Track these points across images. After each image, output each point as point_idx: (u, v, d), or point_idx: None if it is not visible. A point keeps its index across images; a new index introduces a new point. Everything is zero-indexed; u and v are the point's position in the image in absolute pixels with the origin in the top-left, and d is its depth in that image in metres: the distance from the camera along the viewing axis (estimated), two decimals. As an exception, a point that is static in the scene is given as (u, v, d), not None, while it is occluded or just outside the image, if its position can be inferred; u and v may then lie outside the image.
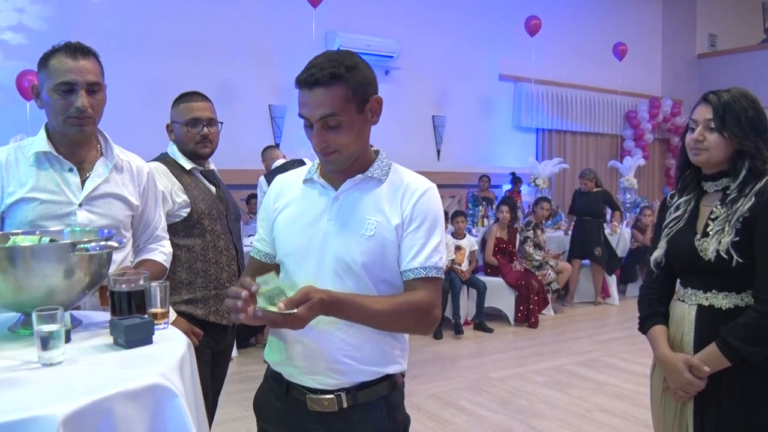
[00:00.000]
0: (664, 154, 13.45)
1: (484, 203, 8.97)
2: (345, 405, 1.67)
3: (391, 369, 1.72)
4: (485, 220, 8.52)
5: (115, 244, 1.72)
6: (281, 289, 1.47)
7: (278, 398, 1.76)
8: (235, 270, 2.84)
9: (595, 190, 8.23)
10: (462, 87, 10.41)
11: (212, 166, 2.85)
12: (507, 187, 10.32)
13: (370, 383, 1.69)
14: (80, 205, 2.02)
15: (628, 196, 9.95)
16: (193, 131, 2.69)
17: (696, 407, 2.04)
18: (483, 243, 7.36)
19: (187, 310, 2.63)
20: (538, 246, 7.56)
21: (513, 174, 10.31)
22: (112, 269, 1.88)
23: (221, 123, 2.82)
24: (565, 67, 11.49)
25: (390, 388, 1.72)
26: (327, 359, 1.65)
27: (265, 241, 1.81)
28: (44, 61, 1.99)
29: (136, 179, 2.20)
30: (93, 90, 1.99)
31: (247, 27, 8.45)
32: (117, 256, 2.08)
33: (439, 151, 10.29)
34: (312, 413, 1.69)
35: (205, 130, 2.70)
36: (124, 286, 1.70)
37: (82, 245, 1.63)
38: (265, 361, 1.83)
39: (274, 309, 1.43)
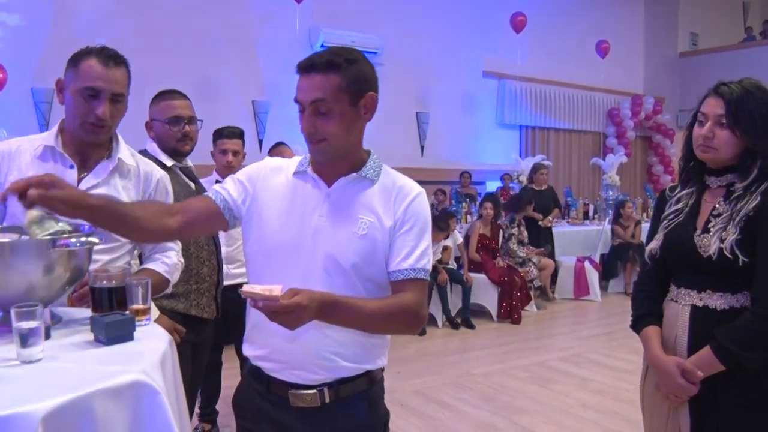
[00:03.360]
0: (646, 151, 13.55)
1: (468, 200, 8.99)
2: (327, 400, 1.67)
3: (373, 365, 1.73)
4: (468, 216, 8.54)
5: (96, 240, 1.70)
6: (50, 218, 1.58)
7: (259, 395, 1.75)
8: (215, 264, 2.89)
9: (544, 187, 8.53)
10: (446, 83, 10.42)
11: (189, 163, 2.87)
12: (497, 184, 10.34)
13: (351, 378, 1.69)
14: None
15: (611, 193, 10.01)
16: (175, 129, 2.71)
17: (693, 415, 1.97)
18: (466, 240, 7.37)
19: (169, 305, 2.65)
20: (521, 242, 7.60)
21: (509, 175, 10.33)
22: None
23: (201, 121, 2.83)
24: (548, 64, 11.53)
25: (370, 383, 1.73)
26: (312, 355, 1.65)
27: (232, 198, 1.73)
28: (75, 60, 1.99)
29: (141, 185, 2.16)
30: (116, 100, 2.00)
31: (231, 22, 8.40)
32: (115, 264, 2.07)
33: (422, 148, 10.29)
34: (294, 409, 1.69)
35: (187, 127, 2.74)
36: (105, 282, 1.69)
37: (62, 241, 1.61)
38: (245, 357, 1.81)
39: (47, 232, 1.55)
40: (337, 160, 1.68)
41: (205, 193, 1.80)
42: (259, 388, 1.75)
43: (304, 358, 1.66)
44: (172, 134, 2.71)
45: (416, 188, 1.74)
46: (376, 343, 1.72)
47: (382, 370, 1.79)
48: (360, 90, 1.63)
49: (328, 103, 1.59)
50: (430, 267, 1.71)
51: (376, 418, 1.75)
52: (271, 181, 1.74)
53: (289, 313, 1.44)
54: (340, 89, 1.60)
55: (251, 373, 1.79)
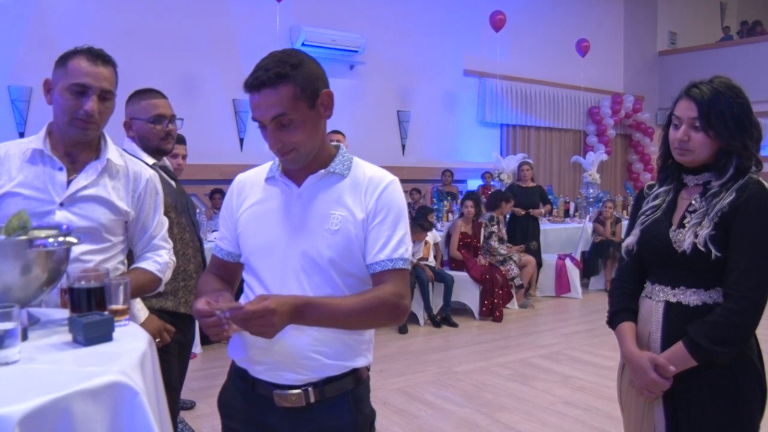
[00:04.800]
0: (626, 149, 13.66)
1: (449, 198, 9.01)
2: (312, 400, 1.67)
3: (358, 363, 1.72)
4: (450, 214, 8.56)
5: (74, 240, 1.69)
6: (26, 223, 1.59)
7: (244, 395, 1.75)
8: (200, 261, 2.88)
9: (531, 184, 8.51)
10: (427, 82, 10.44)
11: (166, 162, 2.87)
12: (479, 182, 10.36)
13: (337, 377, 1.69)
14: (62, 204, 2.00)
15: (591, 191, 10.07)
16: (159, 127, 2.71)
17: (667, 410, 1.99)
18: (448, 238, 7.39)
19: (158, 303, 2.63)
20: (501, 240, 7.63)
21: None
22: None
23: (182, 119, 2.85)
24: (529, 63, 11.59)
25: (356, 381, 1.73)
26: (294, 355, 1.65)
27: (228, 240, 1.81)
28: (63, 60, 2.01)
29: (130, 185, 2.17)
30: (104, 97, 2.02)
31: (211, 20, 8.36)
32: (107, 264, 2.07)
33: (404, 146, 10.30)
34: (279, 409, 1.68)
35: (170, 126, 2.75)
36: (83, 282, 1.67)
37: (39, 241, 1.59)
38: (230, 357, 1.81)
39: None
40: (308, 162, 1.69)
41: (213, 251, 1.87)
42: (244, 389, 1.75)
43: (286, 358, 1.65)
44: (156, 133, 2.71)
45: (387, 177, 1.73)
46: (359, 339, 1.72)
47: (368, 369, 1.79)
48: (314, 91, 1.62)
49: (288, 115, 1.58)
50: (409, 256, 1.70)
51: (362, 418, 1.74)
52: (245, 199, 1.77)
53: (260, 318, 1.45)
54: (296, 97, 1.58)
55: (236, 373, 1.78)
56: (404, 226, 1.70)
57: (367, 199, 1.68)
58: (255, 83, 1.58)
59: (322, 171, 1.69)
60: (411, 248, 1.74)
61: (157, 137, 2.72)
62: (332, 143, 1.76)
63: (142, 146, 2.72)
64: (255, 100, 1.59)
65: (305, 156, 1.65)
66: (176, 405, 2.87)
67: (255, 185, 1.77)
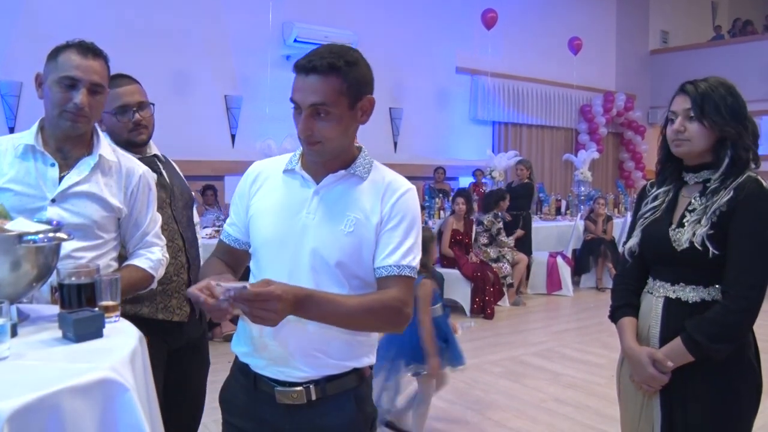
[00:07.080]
0: (618, 147, 13.70)
1: (441, 195, 9.01)
2: (314, 397, 1.67)
3: (360, 363, 1.72)
4: (441, 212, 8.56)
5: (65, 236, 1.68)
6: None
7: (245, 391, 1.75)
8: (183, 262, 2.55)
9: (524, 181, 8.49)
10: (419, 79, 10.44)
11: (155, 151, 2.60)
12: (470, 180, 10.36)
13: (339, 376, 1.69)
14: (53, 200, 1.99)
15: (583, 188, 10.10)
16: (124, 119, 2.44)
17: (663, 404, 2.02)
18: (439, 235, 7.38)
19: (132, 310, 2.32)
20: (493, 239, 7.64)
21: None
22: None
23: (153, 104, 2.55)
24: (521, 60, 11.61)
25: (358, 380, 1.73)
26: (297, 352, 1.65)
27: (236, 227, 1.79)
28: (54, 54, 2.00)
29: (123, 181, 2.14)
30: (95, 91, 2.00)
31: (203, 16, 8.33)
32: (99, 261, 2.01)
33: (395, 143, 10.30)
34: (280, 406, 1.68)
35: (137, 116, 2.45)
36: (73, 278, 1.66)
37: (29, 237, 1.58)
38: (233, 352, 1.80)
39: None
40: (330, 159, 1.68)
41: (221, 236, 1.85)
42: (246, 385, 1.75)
43: (287, 355, 1.65)
44: (123, 125, 2.44)
45: (406, 184, 1.73)
46: (361, 340, 1.71)
47: (371, 367, 1.78)
48: (359, 93, 1.63)
49: (327, 106, 1.58)
50: (416, 264, 1.68)
51: (362, 416, 1.74)
52: (261, 187, 1.75)
53: (264, 302, 1.43)
54: (340, 92, 1.58)
55: (239, 369, 1.78)
56: (415, 235, 1.69)
57: (383, 203, 1.68)
58: (306, 66, 1.58)
59: (343, 171, 1.68)
60: (419, 258, 1.72)
61: (125, 129, 2.45)
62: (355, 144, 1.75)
63: (113, 140, 2.41)
64: (300, 82, 1.59)
65: (329, 152, 1.65)
66: (199, 417, 2.78)
67: (272, 175, 1.76)
